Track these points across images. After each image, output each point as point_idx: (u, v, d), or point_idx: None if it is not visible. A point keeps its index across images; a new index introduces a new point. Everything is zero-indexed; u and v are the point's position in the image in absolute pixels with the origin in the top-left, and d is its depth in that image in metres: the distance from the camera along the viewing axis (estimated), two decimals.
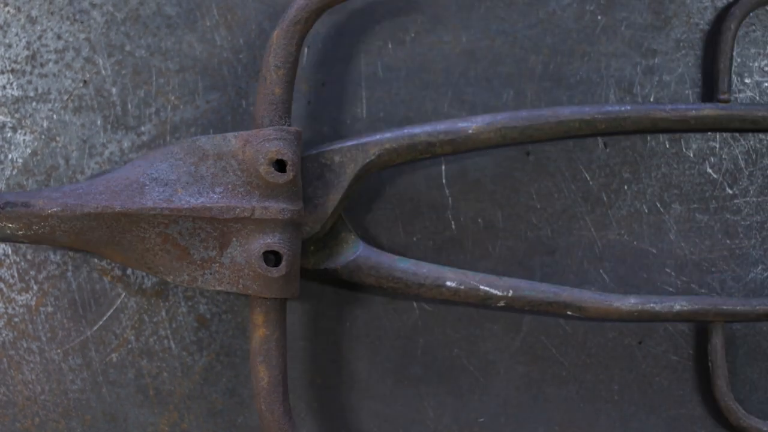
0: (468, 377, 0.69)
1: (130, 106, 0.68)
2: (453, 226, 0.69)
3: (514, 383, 0.70)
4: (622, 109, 0.68)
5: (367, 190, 0.69)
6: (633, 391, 0.70)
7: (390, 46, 0.69)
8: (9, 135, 0.68)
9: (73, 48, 0.68)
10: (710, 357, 0.69)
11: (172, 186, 0.63)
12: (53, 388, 0.68)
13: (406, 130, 0.66)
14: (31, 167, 0.68)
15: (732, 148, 0.71)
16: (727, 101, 0.69)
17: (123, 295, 0.68)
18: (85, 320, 0.68)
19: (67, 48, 0.68)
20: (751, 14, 0.70)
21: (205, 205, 0.62)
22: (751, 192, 0.71)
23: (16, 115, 0.68)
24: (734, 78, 0.70)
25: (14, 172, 0.68)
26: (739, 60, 0.71)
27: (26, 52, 0.68)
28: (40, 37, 0.68)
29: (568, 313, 0.67)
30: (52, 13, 0.68)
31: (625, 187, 0.70)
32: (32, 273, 0.68)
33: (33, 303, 0.68)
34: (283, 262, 0.62)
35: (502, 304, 0.67)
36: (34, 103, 0.68)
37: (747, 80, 0.71)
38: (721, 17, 0.70)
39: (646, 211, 0.70)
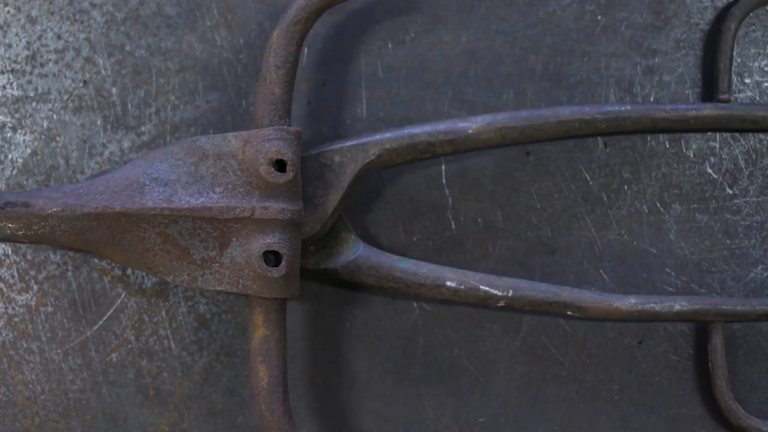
0: (468, 377, 0.69)
1: (130, 106, 0.68)
2: (453, 226, 0.69)
3: (514, 383, 0.70)
4: (622, 109, 0.68)
5: (367, 190, 0.69)
6: (633, 391, 0.70)
7: (390, 46, 0.69)
8: (9, 135, 0.68)
9: (73, 48, 0.68)
10: (710, 357, 0.69)
11: (172, 186, 0.63)
12: (53, 388, 0.68)
13: (406, 130, 0.66)
14: (31, 167, 0.68)
15: (732, 148, 0.71)
16: (727, 101, 0.69)
17: (123, 295, 0.68)
18: (85, 320, 0.68)
19: (67, 48, 0.68)
20: (751, 14, 0.70)
21: (205, 205, 0.62)
22: (751, 192, 0.71)
23: (16, 115, 0.68)
24: (734, 78, 0.70)
25: (14, 172, 0.68)
26: (739, 60, 0.71)
27: (26, 52, 0.68)
28: (40, 37, 0.68)
29: (568, 313, 0.67)
30: (52, 13, 0.68)
31: (625, 187, 0.70)
32: (32, 273, 0.68)
33: (33, 303, 0.68)
34: (283, 262, 0.62)
35: (502, 304, 0.67)
36: (34, 103, 0.68)
37: (747, 80, 0.71)
38: (721, 17, 0.70)
39: (646, 211, 0.70)
